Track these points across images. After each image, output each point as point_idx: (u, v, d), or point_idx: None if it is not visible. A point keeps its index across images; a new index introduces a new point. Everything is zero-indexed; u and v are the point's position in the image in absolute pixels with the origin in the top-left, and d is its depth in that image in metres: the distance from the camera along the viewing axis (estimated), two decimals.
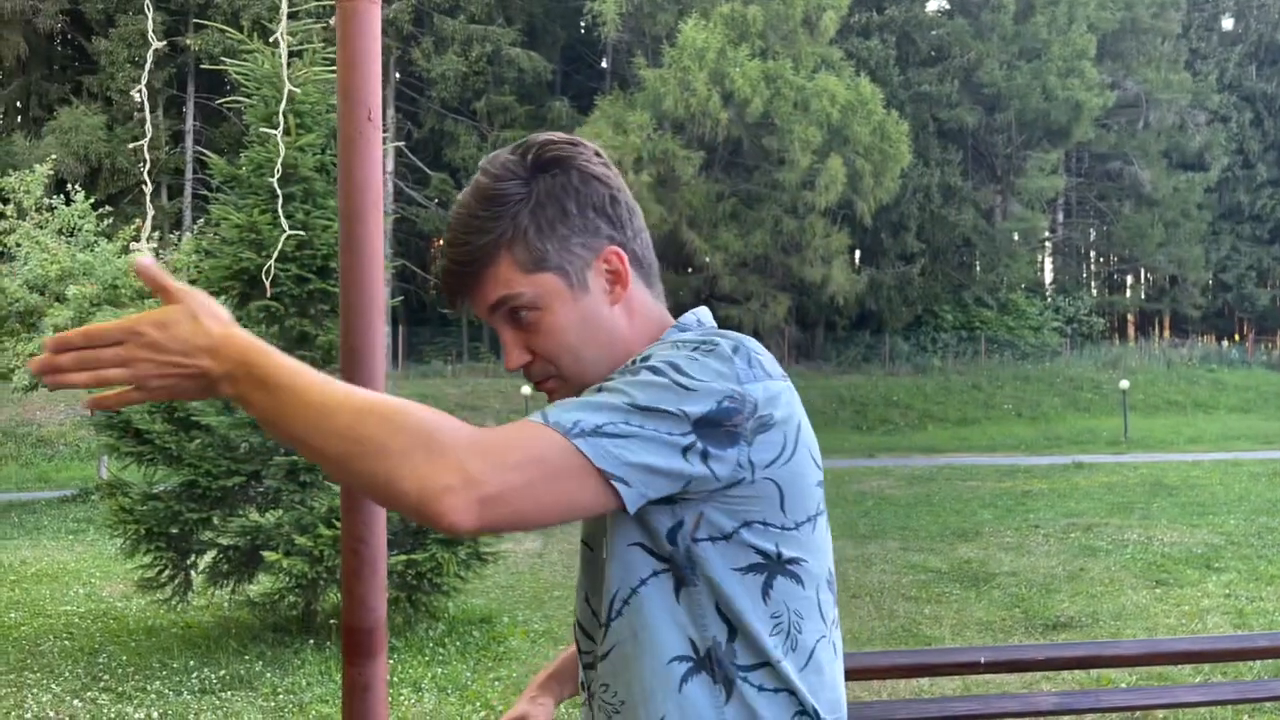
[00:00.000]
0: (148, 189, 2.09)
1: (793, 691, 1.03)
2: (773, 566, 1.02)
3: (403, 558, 6.33)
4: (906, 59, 32.65)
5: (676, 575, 1.02)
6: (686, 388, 0.97)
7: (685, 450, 0.95)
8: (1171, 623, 6.78)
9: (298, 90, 5.93)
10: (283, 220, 2.10)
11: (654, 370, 0.99)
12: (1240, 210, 37.16)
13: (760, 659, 1.02)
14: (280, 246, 3.96)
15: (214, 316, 0.94)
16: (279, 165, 2.82)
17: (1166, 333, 37.81)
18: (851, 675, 2.90)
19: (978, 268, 34.56)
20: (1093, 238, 40.09)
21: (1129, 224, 35.07)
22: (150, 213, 2.12)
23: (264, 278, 3.82)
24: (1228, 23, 39.34)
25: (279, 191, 2.31)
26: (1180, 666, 5.10)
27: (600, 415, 0.95)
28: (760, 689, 1.02)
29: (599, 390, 1.00)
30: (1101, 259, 41.91)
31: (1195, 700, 2.97)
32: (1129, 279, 41.61)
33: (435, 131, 31.00)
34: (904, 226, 31.18)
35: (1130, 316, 39.92)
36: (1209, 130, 35.21)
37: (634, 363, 1.04)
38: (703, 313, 1.19)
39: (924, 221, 31.53)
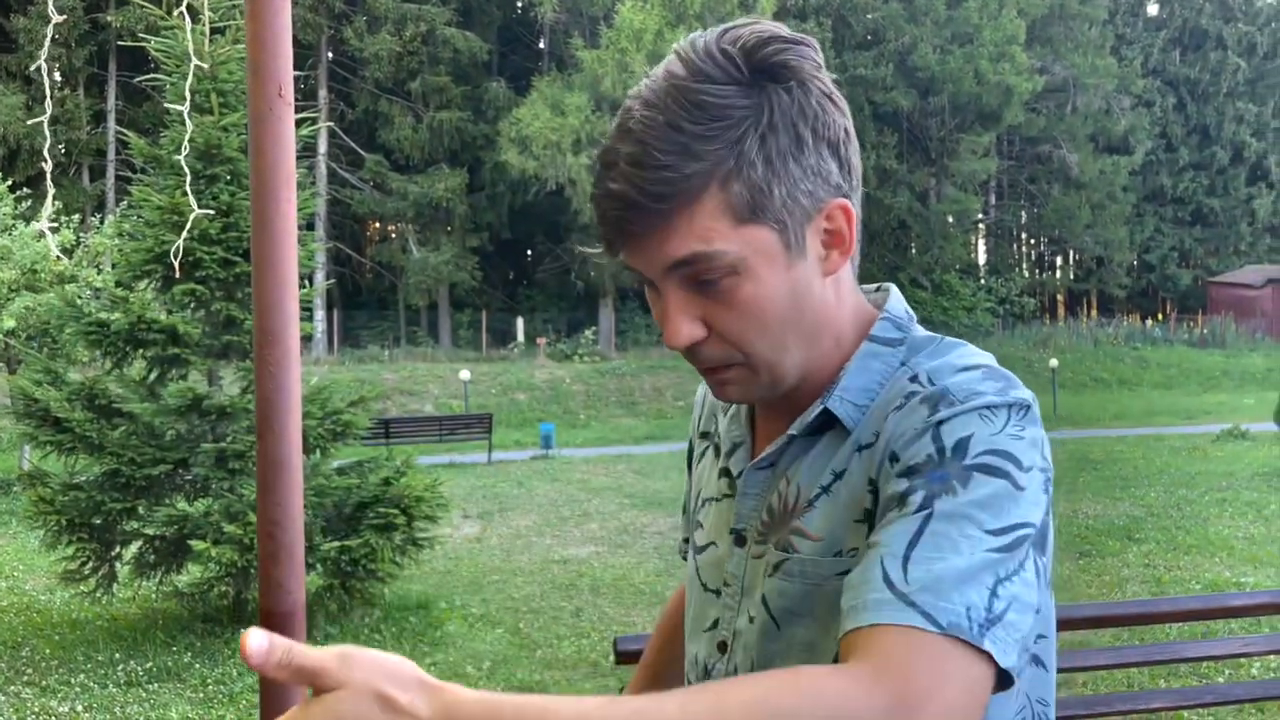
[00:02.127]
0: (48, 166, 2.02)
1: None
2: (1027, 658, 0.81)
3: (336, 544, 6.25)
4: (843, 42, 32.92)
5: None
6: (1023, 489, 0.75)
7: (1037, 572, 0.76)
8: (1093, 592, 7.00)
9: (204, 65, 5.77)
10: (191, 200, 2.05)
11: (988, 470, 0.75)
12: (1163, 193, 38.27)
13: None
14: (191, 227, 3.86)
15: (420, 686, 0.61)
16: (185, 144, 2.74)
17: (1094, 312, 38.82)
18: None
19: (913, 249, 35.13)
20: (1024, 219, 40.97)
21: (1058, 206, 35.90)
22: (51, 192, 2.05)
23: (172, 257, 3.72)
24: (1153, 8, 40.35)
25: (186, 170, 2.25)
26: (1100, 631, 5.28)
27: (978, 582, 0.71)
28: None
29: (924, 508, 0.74)
30: (1032, 240, 42.86)
31: (1109, 663, 3.07)
32: (1058, 259, 42.65)
33: (369, 112, 30.49)
34: None
35: (1060, 296, 40.92)
36: (1133, 114, 36.15)
37: (935, 434, 0.77)
38: (900, 299, 0.93)
39: (861, 204, 31.86)
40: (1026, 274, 40.61)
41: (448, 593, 7.50)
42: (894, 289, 0.95)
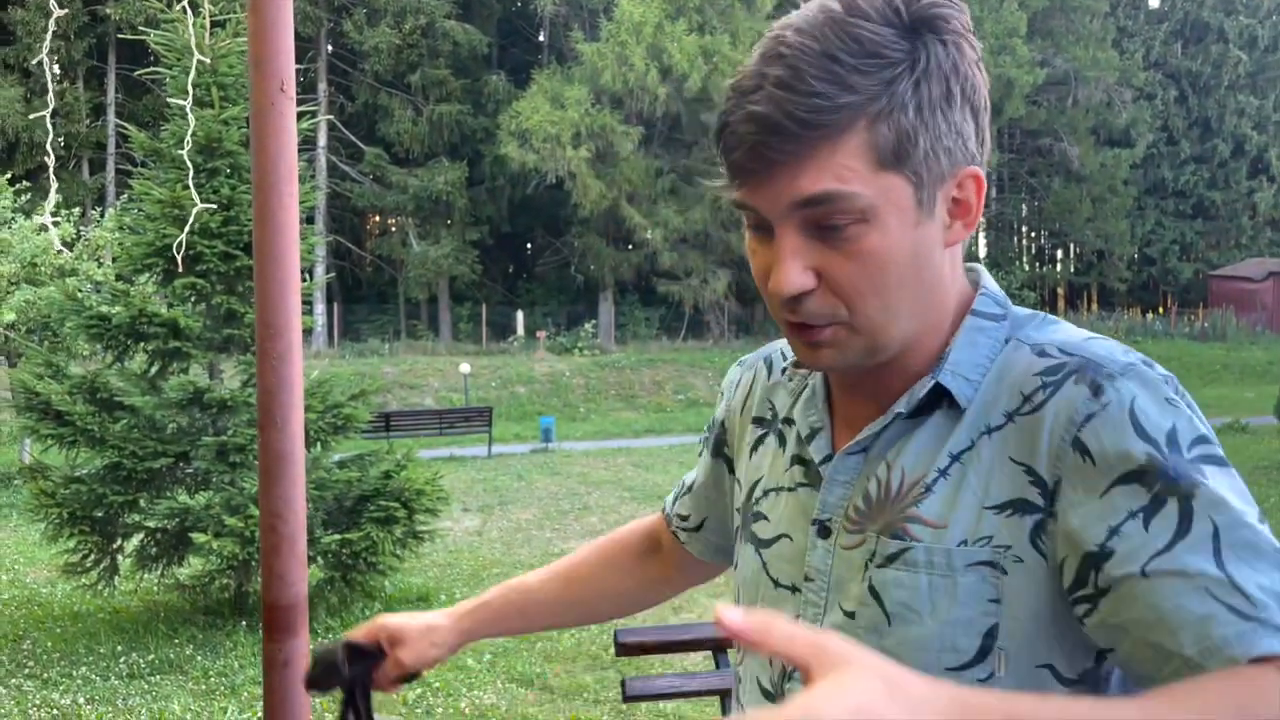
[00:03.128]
0: (50, 161, 2.02)
1: None
2: None
3: (337, 537, 6.27)
4: None
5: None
6: (1229, 465, 0.75)
7: None
8: None
9: (206, 60, 5.77)
10: (194, 193, 2.05)
11: (1210, 460, 0.74)
12: (1164, 186, 38.22)
13: None
14: (194, 221, 3.86)
15: (922, 687, 0.60)
16: (188, 138, 2.74)
17: (1094, 305, 38.81)
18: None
19: None
20: (1024, 213, 40.94)
21: (1058, 199, 35.86)
22: (54, 185, 2.06)
23: (175, 251, 3.72)
24: (1154, 1, 40.25)
25: (189, 164, 2.25)
26: None
27: (1242, 601, 0.68)
28: None
29: (1187, 515, 0.71)
30: (1033, 233, 42.82)
31: None
32: (1059, 253, 42.60)
33: (369, 105, 30.45)
34: None
35: (1060, 290, 40.89)
36: (1135, 107, 36.08)
37: (1135, 427, 0.74)
38: (993, 279, 0.90)
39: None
40: (1027, 267, 40.56)
41: (448, 585, 7.52)
42: (984, 269, 0.90)
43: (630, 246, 29.96)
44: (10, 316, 12.37)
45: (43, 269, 12.90)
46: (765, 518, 0.94)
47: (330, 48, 31.19)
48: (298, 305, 2.10)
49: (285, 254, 2.06)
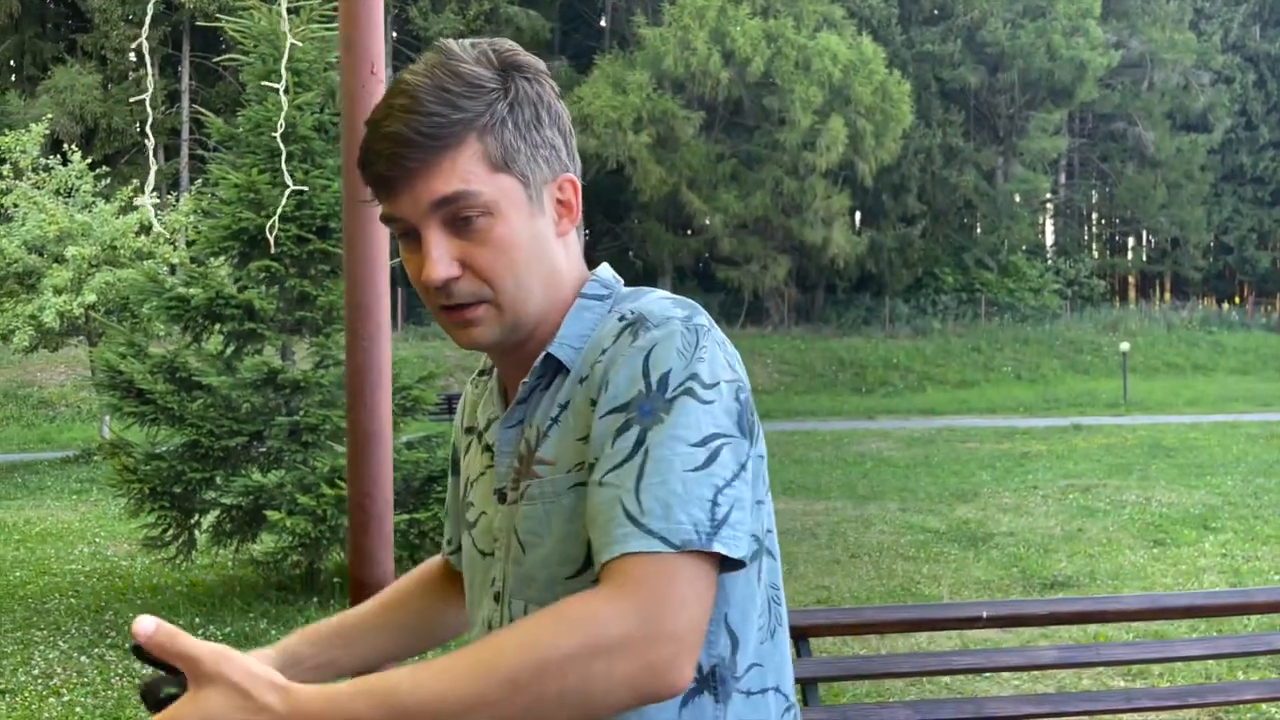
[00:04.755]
0: (150, 143, 2.07)
1: (777, 687, 0.98)
2: (760, 548, 0.96)
3: (405, 517, 6.36)
4: (909, 18, 32.30)
5: None
6: (712, 402, 0.90)
7: (743, 468, 0.90)
8: (1168, 582, 6.84)
9: (301, 45, 5.86)
10: (286, 177, 2.08)
11: (685, 393, 0.89)
12: (1242, 172, 36.98)
13: (752, 660, 0.96)
14: (277, 204, 3.92)
15: (270, 686, 0.78)
16: (281, 121, 2.78)
17: (1167, 295, 37.80)
18: (851, 630, 2.93)
19: (978, 229, 34.46)
20: (1094, 199, 39.95)
21: (1131, 185, 34.91)
22: (154, 168, 2.10)
23: (268, 234, 3.80)
24: None
25: (283, 148, 2.29)
26: (1176, 623, 5.16)
27: (698, 497, 0.85)
28: (748, 694, 0.95)
29: (640, 442, 0.87)
30: (1103, 220, 41.77)
31: (1193, 654, 3.00)
32: (1130, 241, 41.52)
33: None
34: (905, 188, 31.02)
35: (1131, 278, 39.88)
36: (1213, 91, 34.95)
37: (644, 369, 0.90)
38: (609, 269, 1.08)
39: (925, 183, 31.38)
40: (1096, 255, 39.64)
41: None
42: (605, 264, 1.08)
43: (690, 232, 29.89)
44: (91, 298, 12.76)
45: (122, 251, 13.28)
46: (472, 503, 1.10)
47: (395, 34, 31.53)
48: (386, 287, 2.12)
49: (374, 236, 2.09)
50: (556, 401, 0.99)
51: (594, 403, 0.93)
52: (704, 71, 26.25)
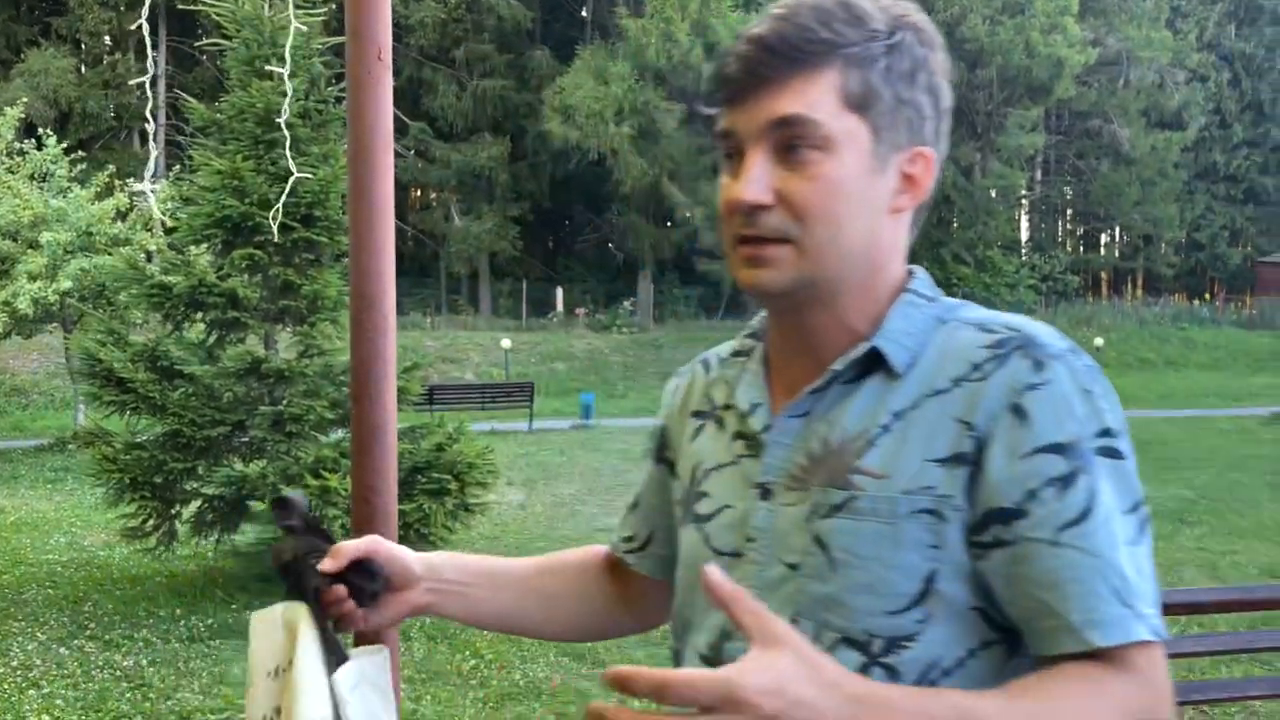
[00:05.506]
0: (150, 127, 2.03)
1: None
2: None
3: None
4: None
5: (1010, 647, 0.85)
6: (1129, 458, 0.84)
7: None
8: None
9: (304, 28, 5.79)
10: (290, 163, 2.05)
11: (1113, 453, 0.83)
12: (1215, 170, 37.39)
13: None
14: (286, 192, 3.87)
15: (835, 666, 0.72)
16: (286, 106, 2.73)
17: (1140, 291, 38.15)
18: None
19: (956, 225, 34.62)
20: (1069, 196, 40.25)
21: (1106, 182, 35.20)
22: (155, 153, 2.07)
23: (271, 221, 3.74)
24: None
25: (286, 134, 2.25)
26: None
27: (1149, 573, 0.82)
28: None
29: (1092, 498, 0.80)
30: (1078, 217, 42.11)
31: (1181, 651, 3.03)
32: (1104, 237, 41.88)
33: (413, 80, 30.50)
34: None
35: (1105, 274, 40.24)
36: (1188, 89, 35.27)
37: (1073, 410, 0.83)
38: (926, 276, 0.98)
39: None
40: (1070, 251, 39.95)
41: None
42: (922, 270, 0.99)
43: (670, 224, 29.86)
44: (67, 284, 12.58)
45: (98, 237, 13.10)
46: (707, 495, 0.98)
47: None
48: (392, 277, 2.09)
49: (380, 225, 2.06)
50: (888, 409, 0.88)
51: (968, 425, 0.83)
52: (686, 64, 26.21)
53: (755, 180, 0.86)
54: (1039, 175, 37.87)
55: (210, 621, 5.90)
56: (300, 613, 0.98)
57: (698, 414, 1.05)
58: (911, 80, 0.89)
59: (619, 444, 14.00)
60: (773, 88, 0.86)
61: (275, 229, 4.57)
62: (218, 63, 6.88)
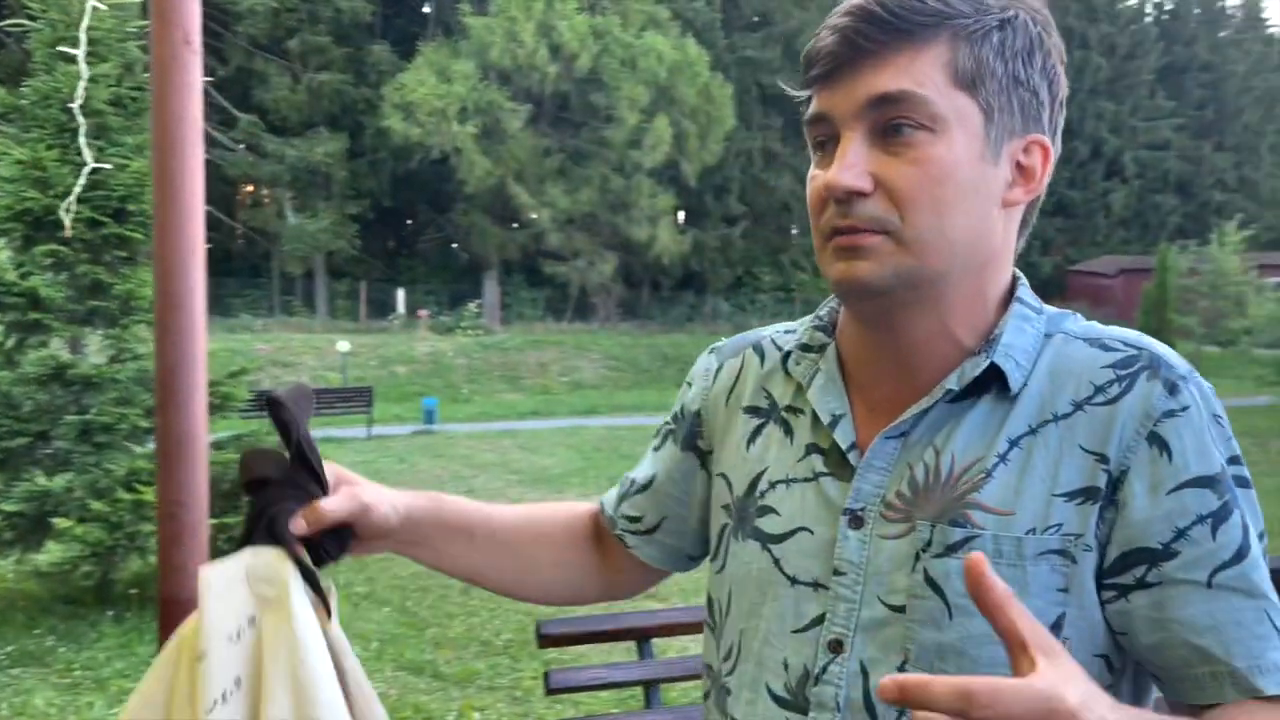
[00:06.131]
0: None
1: None
2: None
3: (214, 522, 5.96)
4: (732, 23, 33.16)
5: (1131, 693, 0.81)
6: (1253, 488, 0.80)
7: None
8: None
9: (103, 7, 5.39)
10: (85, 153, 1.88)
11: (1247, 483, 0.78)
12: None
13: None
14: (80, 184, 3.57)
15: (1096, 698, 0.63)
16: (81, 89, 2.52)
17: None
18: (695, 628, 2.94)
19: (795, 231, 35.81)
20: None
21: None
22: None
23: (62, 214, 3.45)
24: None
25: (80, 121, 2.07)
26: None
27: None
28: None
29: (1244, 535, 0.75)
30: None
31: None
32: None
33: (242, 70, 29.14)
34: (727, 189, 31.85)
35: None
36: None
37: (1210, 434, 0.77)
38: (1027, 282, 0.89)
39: (746, 185, 32.33)
40: None
41: (330, 571, 7.28)
42: (1020, 272, 0.90)
43: (516, 226, 29.64)
44: None
45: None
46: (775, 511, 0.88)
47: (202, 7, 29.70)
48: (201, 275, 1.96)
49: (189, 220, 1.92)
50: (1003, 435, 0.79)
51: (1100, 456, 0.76)
52: (531, 65, 26.08)
53: (853, 164, 0.77)
54: None
55: (10, 649, 5.41)
56: (278, 558, 0.86)
57: (753, 410, 0.94)
58: (1028, 60, 0.81)
59: (462, 450, 13.76)
60: (875, 62, 0.77)
61: (68, 222, 4.21)
62: (23, 45, 6.35)
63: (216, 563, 0.87)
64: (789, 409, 0.92)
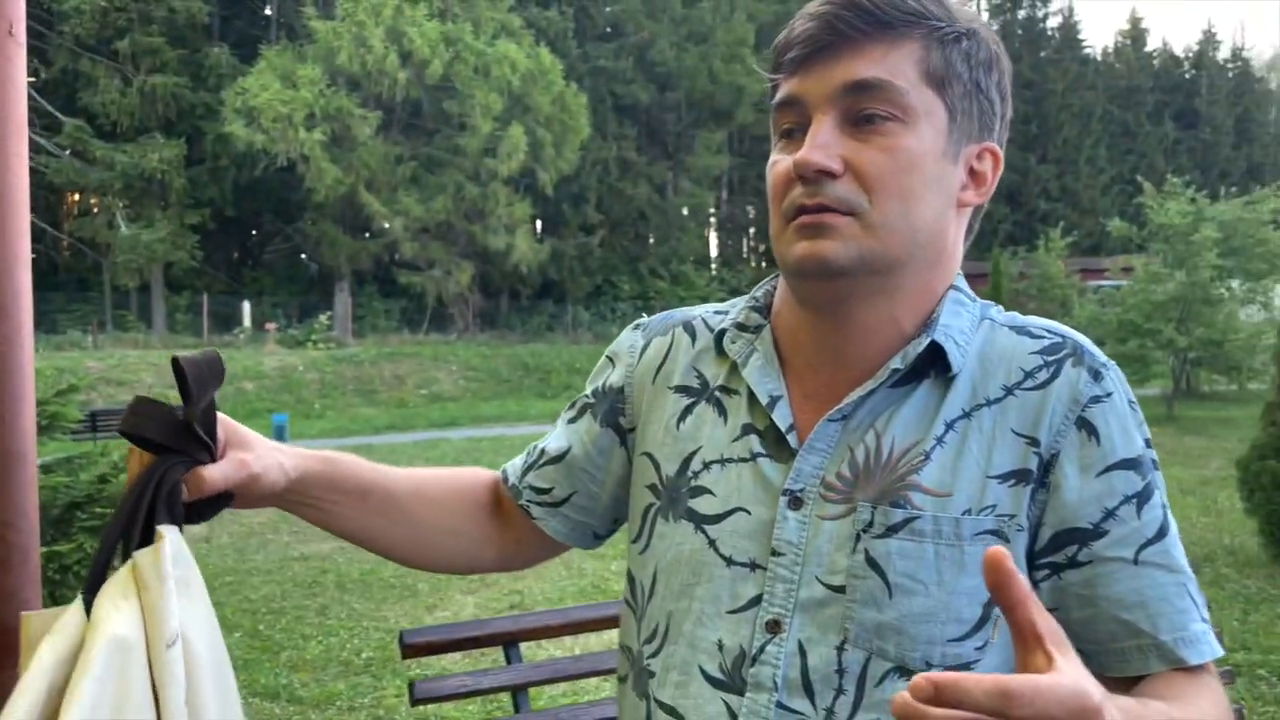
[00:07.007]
0: None
1: None
2: None
3: (44, 550, 5.58)
4: (584, 32, 33.36)
5: None
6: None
7: None
8: None
9: None
10: None
11: (1157, 464, 0.82)
12: None
13: None
14: None
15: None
16: None
17: None
18: (556, 632, 2.94)
19: (652, 240, 36.26)
20: (752, 215, 43.41)
21: None
22: None
23: None
24: None
25: None
26: None
27: (1201, 603, 0.81)
28: None
29: (1164, 513, 0.80)
30: (760, 234, 45.50)
31: None
32: None
33: (68, 72, 27.43)
34: (584, 198, 31.98)
35: None
36: None
37: (1133, 417, 0.82)
38: (961, 275, 0.92)
39: (603, 194, 32.55)
40: (754, 266, 43.07)
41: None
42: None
43: (368, 235, 28.92)
44: None
45: None
46: (710, 492, 0.88)
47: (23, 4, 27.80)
48: (27, 282, 1.81)
49: (13, 223, 1.78)
50: (941, 418, 0.81)
51: (1031, 440, 0.79)
52: (381, 71, 25.51)
53: (825, 145, 0.80)
54: (725, 195, 40.52)
55: None
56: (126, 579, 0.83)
57: (683, 389, 0.94)
58: (987, 72, 0.86)
59: None
60: (854, 49, 0.81)
61: None
62: None
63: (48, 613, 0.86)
64: (722, 389, 0.92)
